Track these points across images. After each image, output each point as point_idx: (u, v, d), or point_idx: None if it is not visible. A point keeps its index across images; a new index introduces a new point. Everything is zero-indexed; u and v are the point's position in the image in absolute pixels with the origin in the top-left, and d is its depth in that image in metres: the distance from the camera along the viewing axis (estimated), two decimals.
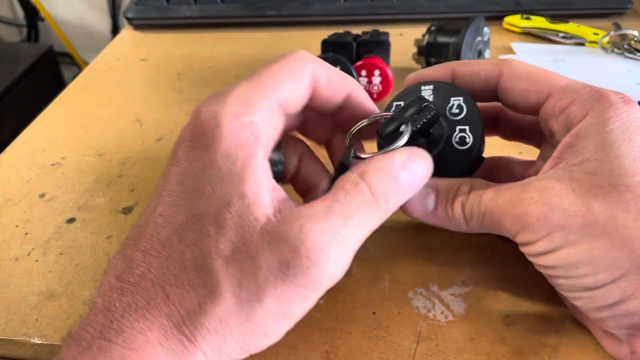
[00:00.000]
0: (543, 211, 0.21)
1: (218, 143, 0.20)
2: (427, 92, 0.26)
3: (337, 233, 0.19)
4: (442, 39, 0.44)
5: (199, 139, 0.21)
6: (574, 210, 0.20)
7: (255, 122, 0.21)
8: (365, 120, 0.26)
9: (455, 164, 0.26)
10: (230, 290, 0.19)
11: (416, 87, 0.27)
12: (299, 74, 0.23)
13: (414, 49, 0.49)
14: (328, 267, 0.19)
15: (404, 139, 0.23)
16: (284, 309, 0.19)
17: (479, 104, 0.27)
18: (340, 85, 0.25)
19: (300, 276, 0.19)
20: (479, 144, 0.25)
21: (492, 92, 0.27)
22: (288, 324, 0.20)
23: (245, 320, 0.19)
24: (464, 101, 0.26)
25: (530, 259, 0.23)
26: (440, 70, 0.28)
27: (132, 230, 0.21)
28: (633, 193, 0.20)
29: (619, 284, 0.20)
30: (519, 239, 0.22)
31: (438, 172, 0.25)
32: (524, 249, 0.23)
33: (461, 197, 0.24)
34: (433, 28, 0.46)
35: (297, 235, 0.19)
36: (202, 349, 0.19)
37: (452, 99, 0.26)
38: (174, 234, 0.20)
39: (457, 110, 0.26)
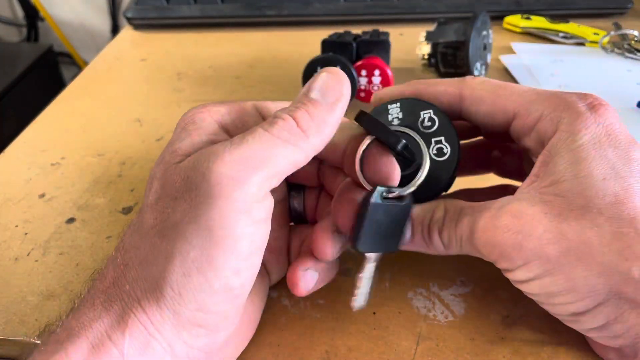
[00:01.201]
0: (517, 240, 0.20)
1: (179, 124, 0.23)
2: (394, 110, 0.26)
3: (233, 143, 0.20)
4: (452, 23, 0.46)
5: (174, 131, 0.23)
6: (548, 237, 0.20)
7: (220, 111, 0.23)
8: (367, 139, 0.23)
9: (438, 176, 0.25)
10: (154, 232, 0.19)
11: (383, 107, 0.26)
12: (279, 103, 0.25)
13: (415, 49, 0.49)
14: (223, 167, 0.19)
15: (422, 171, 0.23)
16: (205, 232, 0.19)
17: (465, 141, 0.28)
18: None
19: (201, 185, 0.19)
20: (457, 152, 0.25)
21: (457, 113, 0.26)
22: (223, 256, 0.19)
23: (171, 256, 0.19)
24: (434, 113, 0.25)
25: (514, 284, 0.23)
26: (405, 87, 0.27)
27: None
28: (605, 215, 0.20)
29: (601, 309, 0.20)
30: (498, 266, 0.22)
31: (424, 188, 0.25)
32: (505, 275, 0.22)
33: (437, 224, 0.23)
34: (442, 20, 0.47)
35: (197, 156, 0.20)
36: (141, 303, 0.19)
37: (421, 112, 0.25)
38: (139, 210, 0.22)
39: (429, 123, 0.25)
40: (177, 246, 0.19)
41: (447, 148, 0.25)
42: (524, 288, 0.22)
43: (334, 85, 0.22)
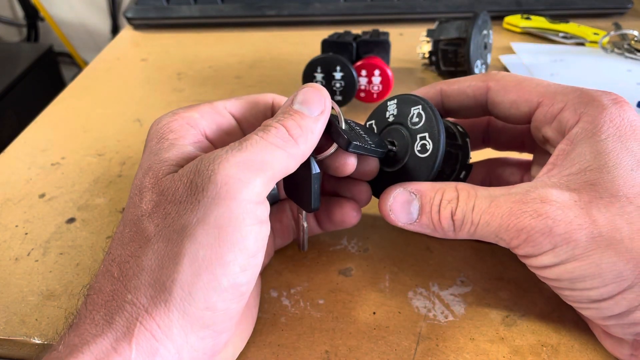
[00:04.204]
0: (547, 224, 0.20)
1: (155, 134, 0.23)
2: (392, 106, 0.27)
3: (233, 148, 0.20)
4: (453, 21, 0.46)
5: (146, 141, 0.24)
6: (579, 222, 0.20)
7: (194, 116, 0.24)
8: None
9: (420, 172, 0.25)
10: (158, 237, 0.19)
11: (383, 104, 0.27)
12: (254, 96, 0.26)
13: (415, 49, 0.49)
14: (229, 168, 0.19)
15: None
16: (214, 230, 0.19)
17: (468, 120, 0.28)
18: None
19: (208, 186, 0.19)
20: (439, 150, 0.24)
21: (482, 107, 0.27)
22: (232, 253, 0.19)
23: (180, 256, 0.19)
24: (422, 109, 0.25)
25: (532, 270, 0.22)
26: (428, 90, 0.28)
27: None
28: (634, 205, 0.20)
29: (625, 295, 0.20)
30: (519, 252, 0.22)
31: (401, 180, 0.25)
32: (525, 261, 0.22)
33: (450, 204, 0.23)
34: (443, 19, 0.47)
35: (198, 161, 0.20)
36: (148, 310, 0.18)
37: (412, 108, 0.26)
38: (120, 225, 0.22)
39: (416, 119, 0.25)
40: (186, 246, 0.19)
41: (429, 144, 0.25)
42: (544, 274, 0.22)
43: (317, 99, 0.23)
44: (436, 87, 0.27)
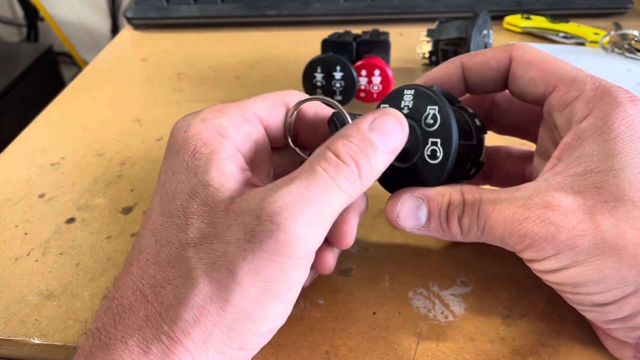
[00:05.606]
0: (550, 231, 0.20)
1: (185, 144, 0.22)
2: (408, 97, 0.25)
3: (301, 195, 0.19)
4: (453, 21, 0.46)
5: (171, 147, 0.22)
6: (582, 228, 0.20)
7: (223, 124, 0.22)
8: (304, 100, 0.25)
9: (427, 178, 0.24)
10: (203, 275, 0.19)
11: (399, 91, 0.26)
12: (279, 97, 0.25)
13: (415, 49, 0.49)
14: (294, 227, 0.19)
15: None
16: (263, 283, 0.19)
17: (476, 96, 0.27)
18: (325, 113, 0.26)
19: (268, 242, 0.18)
20: (449, 160, 0.23)
21: (504, 80, 0.26)
22: (275, 304, 0.19)
23: (225, 303, 0.18)
24: (439, 111, 0.24)
25: (536, 273, 0.22)
26: (448, 66, 0.27)
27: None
28: (639, 209, 0.20)
29: (628, 300, 0.20)
30: (523, 256, 0.22)
31: (412, 184, 0.25)
32: (529, 264, 0.22)
33: (456, 209, 0.23)
34: (443, 19, 0.48)
35: (259, 204, 0.19)
36: (184, 345, 0.18)
37: (428, 107, 0.24)
38: (151, 238, 0.21)
39: (431, 121, 0.24)
40: (234, 294, 0.18)
41: (440, 152, 0.24)
42: (547, 277, 0.22)
43: (397, 133, 0.22)
44: (456, 62, 0.26)
